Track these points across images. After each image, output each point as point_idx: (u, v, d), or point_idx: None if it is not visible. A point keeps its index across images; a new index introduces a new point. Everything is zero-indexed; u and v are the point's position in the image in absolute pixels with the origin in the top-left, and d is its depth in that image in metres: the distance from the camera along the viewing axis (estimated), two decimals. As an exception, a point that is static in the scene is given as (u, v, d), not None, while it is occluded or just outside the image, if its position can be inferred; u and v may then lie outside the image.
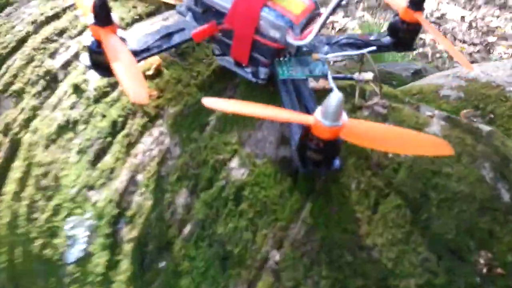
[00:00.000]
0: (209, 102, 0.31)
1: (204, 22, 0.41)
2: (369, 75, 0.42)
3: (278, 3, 0.38)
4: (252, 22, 0.38)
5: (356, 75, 0.42)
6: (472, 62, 3.02)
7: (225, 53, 0.42)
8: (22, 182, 0.43)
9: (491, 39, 3.60)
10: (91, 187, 0.39)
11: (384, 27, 3.14)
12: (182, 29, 0.42)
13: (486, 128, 0.41)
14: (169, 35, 0.41)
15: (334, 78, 0.42)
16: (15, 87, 0.48)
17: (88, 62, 0.37)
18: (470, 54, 3.22)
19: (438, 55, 3.08)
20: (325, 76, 0.41)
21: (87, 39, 0.36)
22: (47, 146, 0.43)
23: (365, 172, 0.35)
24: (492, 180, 0.36)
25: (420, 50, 3.15)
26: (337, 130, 0.30)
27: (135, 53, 0.38)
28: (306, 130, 0.32)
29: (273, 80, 0.41)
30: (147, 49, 0.39)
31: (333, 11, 0.38)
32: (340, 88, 0.42)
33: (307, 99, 0.39)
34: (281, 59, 0.41)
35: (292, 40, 0.38)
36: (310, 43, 0.39)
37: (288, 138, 0.37)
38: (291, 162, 0.35)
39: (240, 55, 0.40)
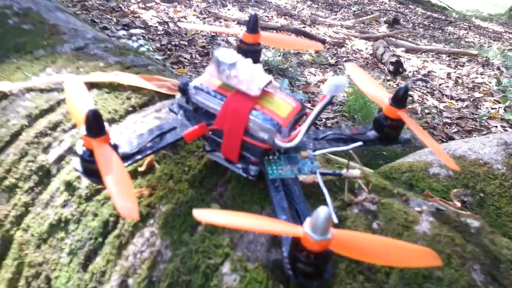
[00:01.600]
0: (199, 214, 0.32)
1: (195, 120, 0.43)
2: (356, 172, 0.43)
3: (266, 106, 0.40)
4: (241, 124, 0.40)
5: (344, 172, 0.43)
6: (461, 118, 3.10)
7: (215, 149, 0.43)
8: (13, 283, 0.43)
9: (477, 94, 3.71)
10: (80, 292, 0.39)
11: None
12: (174, 128, 0.43)
13: (475, 223, 0.42)
14: (161, 135, 0.42)
15: (323, 174, 0.43)
16: (7, 182, 0.49)
17: (80, 168, 0.37)
18: (459, 109, 3.31)
19: (427, 111, 3.16)
20: (314, 173, 0.42)
21: (79, 148, 0.36)
22: (38, 246, 0.43)
23: (357, 277, 0.35)
24: (483, 284, 0.36)
25: (409, 106, 3.24)
26: (326, 243, 0.30)
27: (127, 157, 0.39)
28: (295, 241, 0.32)
29: (263, 175, 0.42)
30: (139, 152, 0.40)
31: (320, 113, 0.40)
32: (328, 181, 0.43)
33: (296, 198, 0.39)
34: (270, 157, 0.42)
35: (280, 142, 0.39)
36: (297, 143, 0.40)
37: (279, 239, 0.37)
38: (283, 266, 0.35)
39: (230, 153, 0.41)
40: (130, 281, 0.38)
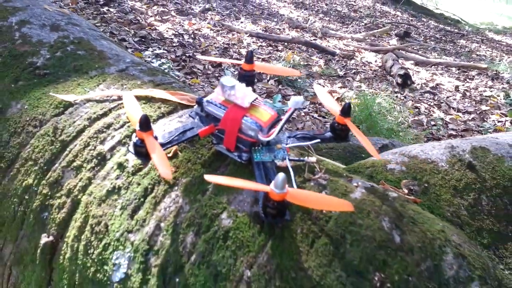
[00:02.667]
0: (208, 177, 0.52)
1: (206, 123, 0.64)
2: (313, 159, 0.63)
3: (253, 114, 0.61)
4: (236, 125, 0.60)
5: (305, 158, 0.64)
6: (467, 130, 3.23)
7: (219, 142, 0.64)
8: (81, 229, 0.64)
9: (484, 107, 3.83)
10: (130, 231, 0.59)
11: (378, 98, 3.36)
12: (192, 128, 0.64)
13: (393, 194, 0.62)
14: (183, 132, 0.63)
15: (291, 160, 0.63)
16: (75, 164, 0.70)
17: (133, 152, 0.59)
18: (465, 122, 3.44)
19: (433, 122, 3.30)
20: (285, 159, 0.62)
21: (134, 138, 0.58)
22: (99, 204, 0.64)
23: (306, 222, 0.55)
24: (388, 229, 0.55)
25: (416, 118, 3.39)
26: (284, 195, 0.51)
27: (162, 145, 0.60)
28: (265, 194, 0.52)
29: (251, 161, 0.62)
30: (169, 142, 0.61)
31: (288, 120, 0.60)
32: (297, 167, 0.64)
33: (271, 175, 0.60)
34: (256, 148, 0.62)
35: (262, 137, 0.60)
36: (274, 138, 0.61)
37: (258, 200, 0.57)
38: (259, 215, 0.55)
39: (229, 144, 0.62)
40: (162, 224, 0.58)
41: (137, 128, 0.57)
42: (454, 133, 3.20)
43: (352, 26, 5.96)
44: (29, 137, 0.75)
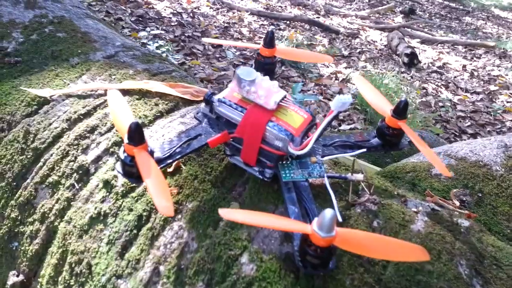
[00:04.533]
0: (224, 213, 0.38)
1: (217, 128, 0.49)
2: (360, 176, 0.48)
3: (280, 118, 0.46)
4: (259, 134, 0.45)
5: (349, 175, 0.49)
6: (476, 111, 3.09)
7: (234, 154, 0.49)
8: (58, 268, 0.49)
9: (493, 87, 3.69)
10: (119, 276, 0.45)
11: (385, 79, 3.22)
12: (199, 135, 0.49)
13: (465, 223, 0.47)
14: (188, 142, 0.48)
15: (330, 178, 0.48)
16: (51, 179, 0.55)
17: (121, 171, 0.44)
18: (473, 103, 3.30)
19: (441, 104, 3.16)
20: (322, 177, 0.47)
21: (122, 154, 0.43)
22: (80, 236, 0.49)
23: (358, 269, 0.41)
24: (468, 277, 0.41)
25: (423, 99, 3.25)
26: (331, 240, 0.36)
27: (160, 160, 0.45)
28: (305, 237, 0.38)
29: (277, 178, 0.47)
30: (169, 156, 0.46)
31: (328, 125, 0.45)
32: (335, 184, 0.49)
33: (306, 199, 0.45)
34: (284, 162, 0.47)
35: (293, 150, 0.45)
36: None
37: (290, 235, 0.43)
38: (293, 258, 0.41)
39: (248, 158, 0.47)
40: (162, 268, 0.44)
41: (125, 140, 0.42)
42: (463, 114, 3.06)
43: (356, 3, 5.75)
44: (-6, 144, 0.60)
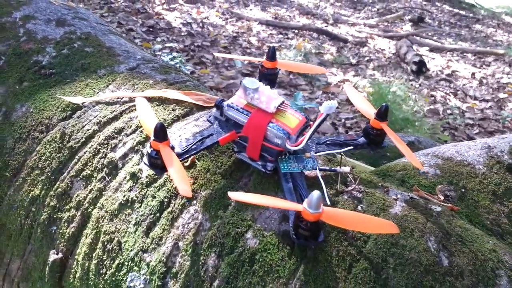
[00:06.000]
0: (233, 195, 0.47)
1: (226, 129, 0.58)
2: (347, 169, 0.57)
3: (279, 120, 0.55)
4: (261, 133, 0.54)
5: (337, 168, 0.57)
6: (484, 119, 3.13)
7: (241, 150, 0.58)
8: (92, 246, 0.58)
9: (502, 95, 3.72)
10: (145, 251, 0.54)
11: (393, 86, 3.29)
12: (211, 134, 0.58)
13: (437, 208, 0.55)
14: (202, 140, 0.57)
15: (322, 170, 0.57)
16: (84, 173, 0.64)
17: (148, 163, 0.53)
18: (482, 110, 3.34)
19: (449, 111, 3.21)
20: (315, 169, 0.56)
21: (148, 149, 0.52)
22: (111, 219, 0.58)
23: (343, 243, 0.49)
24: (435, 250, 0.49)
25: (432, 107, 3.30)
26: (318, 215, 0.45)
27: (179, 155, 0.54)
28: (297, 214, 0.46)
29: (277, 171, 0.56)
30: (186, 152, 0.55)
31: (318, 126, 0.54)
32: (327, 176, 0.57)
33: (301, 187, 0.54)
34: (283, 157, 0.56)
35: (289, 146, 0.53)
36: (302, 146, 0.54)
37: (287, 216, 0.51)
38: (290, 235, 0.49)
39: (253, 154, 0.56)
40: (180, 243, 0.53)
41: (152, 137, 0.51)
42: (471, 122, 3.11)
43: (364, 12, 5.82)
44: (35, 144, 0.70)
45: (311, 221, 0.45)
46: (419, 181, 0.79)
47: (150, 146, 0.52)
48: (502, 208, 0.77)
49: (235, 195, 0.47)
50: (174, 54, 2.41)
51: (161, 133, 0.50)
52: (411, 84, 3.63)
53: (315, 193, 0.44)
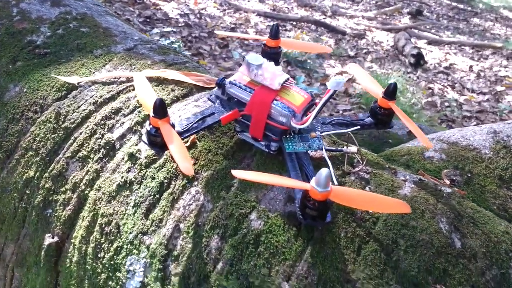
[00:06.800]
0: (236, 173, 0.44)
1: (228, 108, 0.55)
2: (354, 149, 0.55)
3: (284, 97, 0.52)
4: (265, 111, 0.52)
5: (344, 148, 0.55)
6: (481, 111, 3.13)
7: (244, 130, 0.56)
8: (89, 229, 0.56)
9: (499, 88, 3.72)
10: (144, 233, 0.52)
11: (391, 79, 3.28)
12: (213, 114, 0.56)
13: (447, 190, 0.53)
14: (203, 119, 0.55)
15: (328, 150, 0.55)
16: (81, 154, 0.62)
17: (147, 141, 0.50)
18: (479, 103, 3.33)
19: (446, 104, 3.20)
20: (320, 149, 0.54)
21: (148, 126, 0.49)
22: (109, 201, 0.56)
23: (351, 224, 0.47)
24: (447, 231, 0.47)
25: (429, 99, 3.29)
26: (327, 194, 0.43)
27: (180, 134, 0.52)
28: (304, 193, 0.44)
29: (281, 151, 0.54)
30: (187, 130, 0.53)
31: (325, 103, 0.52)
32: (333, 157, 0.55)
33: (306, 167, 0.51)
34: (287, 136, 0.54)
35: (295, 124, 0.51)
36: (308, 126, 0.52)
37: (293, 197, 0.49)
38: (296, 215, 0.47)
39: (256, 133, 0.54)
40: (182, 225, 0.51)
41: (151, 114, 0.49)
42: (468, 114, 3.10)
43: (363, 4, 5.79)
44: (29, 124, 0.67)
45: (319, 200, 0.43)
46: (424, 165, 0.77)
47: (149, 124, 0.49)
48: (508, 193, 0.75)
49: (239, 173, 0.45)
50: (172, 39, 2.37)
51: (160, 109, 0.48)
52: (409, 77, 3.61)
53: (324, 171, 0.42)
